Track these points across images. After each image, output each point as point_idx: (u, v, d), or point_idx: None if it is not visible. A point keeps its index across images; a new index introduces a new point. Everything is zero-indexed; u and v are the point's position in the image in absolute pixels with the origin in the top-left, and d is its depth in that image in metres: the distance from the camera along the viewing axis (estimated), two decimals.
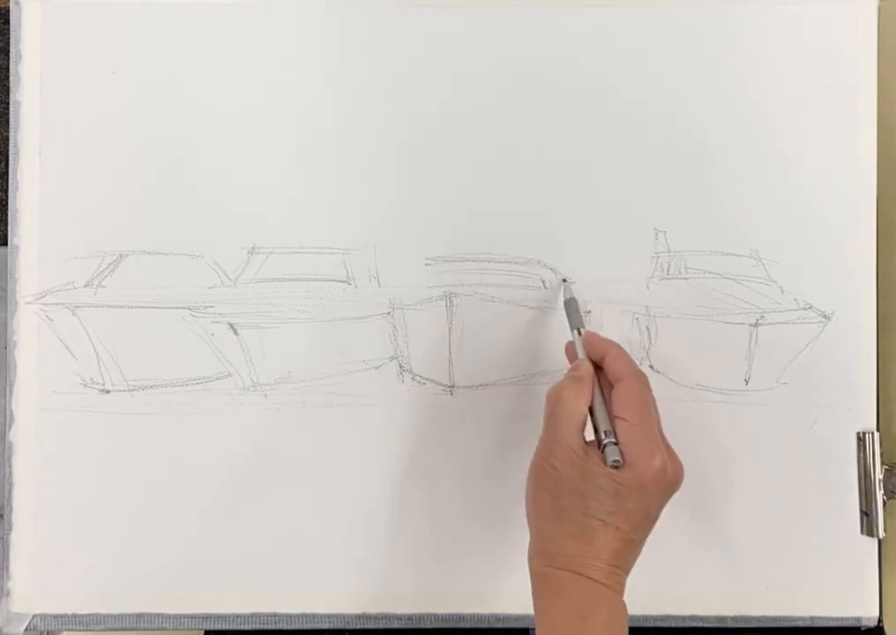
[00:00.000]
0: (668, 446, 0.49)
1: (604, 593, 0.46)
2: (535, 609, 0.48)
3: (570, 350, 0.54)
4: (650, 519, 0.48)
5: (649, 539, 0.57)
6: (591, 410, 0.49)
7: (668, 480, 0.47)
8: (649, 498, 0.47)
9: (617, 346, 0.51)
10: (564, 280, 0.57)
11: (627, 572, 0.48)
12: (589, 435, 0.49)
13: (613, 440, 0.47)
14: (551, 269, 0.58)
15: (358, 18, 0.58)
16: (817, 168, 0.58)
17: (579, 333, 0.53)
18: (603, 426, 0.48)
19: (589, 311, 0.58)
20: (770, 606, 0.58)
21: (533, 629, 0.58)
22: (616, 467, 0.46)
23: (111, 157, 0.58)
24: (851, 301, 0.58)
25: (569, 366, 0.52)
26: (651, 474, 0.46)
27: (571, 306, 0.55)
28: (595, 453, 0.47)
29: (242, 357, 0.58)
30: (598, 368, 0.51)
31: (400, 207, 0.58)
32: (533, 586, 0.49)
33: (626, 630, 0.48)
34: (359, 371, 0.58)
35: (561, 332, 0.58)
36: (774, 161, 0.58)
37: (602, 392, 0.50)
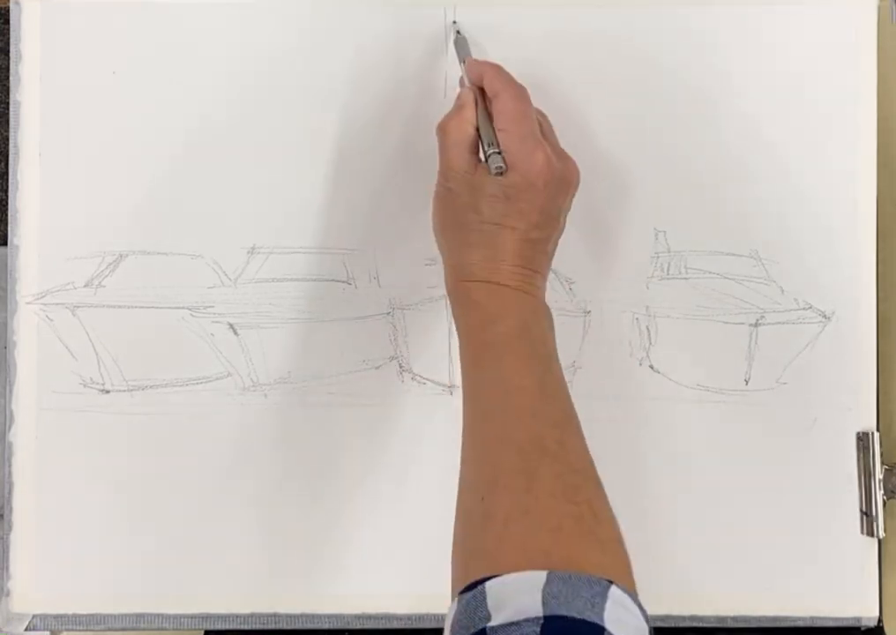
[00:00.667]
0: (556, 147, 0.51)
1: (514, 296, 0.48)
2: (456, 326, 0.50)
3: (461, 83, 0.55)
4: (549, 217, 0.49)
5: (648, 539, 0.58)
6: (479, 133, 0.50)
7: (557, 174, 0.49)
8: (540, 195, 0.48)
9: (494, 65, 0.52)
10: (454, 22, 0.58)
11: (542, 275, 0.50)
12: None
13: (495, 150, 0.49)
14: (551, 269, 0.58)
15: (358, 19, 0.58)
16: (817, 168, 0.58)
17: (464, 63, 0.54)
18: (486, 140, 0.49)
19: (589, 311, 0.58)
20: (770, 606, 0.58)
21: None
22: (501, 174, 0.48)
23: (111, 157, 0.58)
24: (851, 301, 0.58)
25: None
26: (535, 170, 0.48)
27: (459, 42, 0.56)
28: (483, 168, 0.49)
29: (242, 357, 0.58)
30: (484, 93, 0.52)
31: (401, 207, 0.58)
32: (451, 307, 0.50)
33: (548, 329, 0.49)
34: (359, 371, 0.58)
35: (560, 332, 0.58)
36: (774, 161, 0.58)
37: (487, 113, 0.51)
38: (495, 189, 0.48)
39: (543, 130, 0.51)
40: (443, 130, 0.51)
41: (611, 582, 0.38)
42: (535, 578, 0.37)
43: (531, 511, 0.41)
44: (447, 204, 0.50)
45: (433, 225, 0.52)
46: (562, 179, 0.49)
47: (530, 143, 0.48)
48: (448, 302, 0.52)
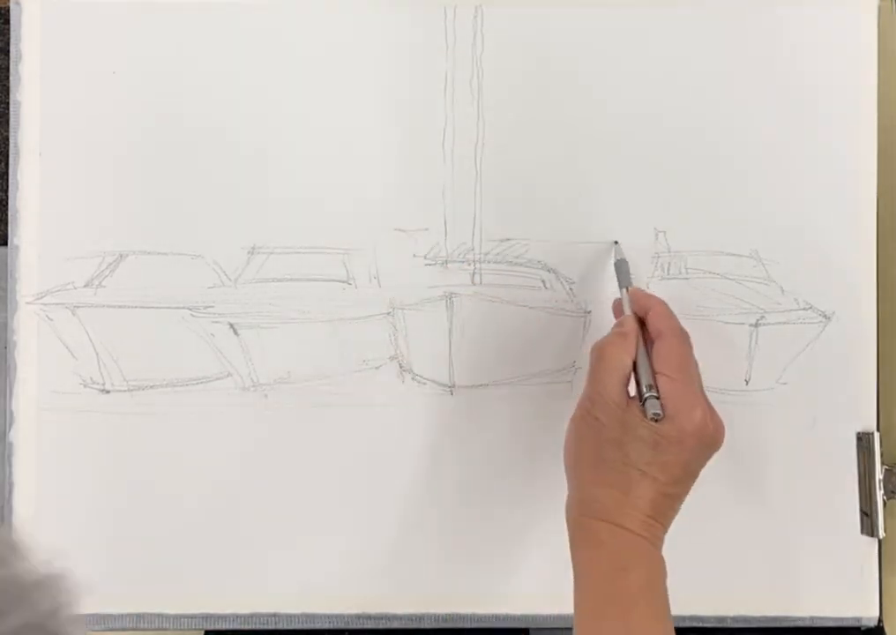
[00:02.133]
0: (709, 404, 0.49)
1: (643, 546, 0.46)
2: (573, 561, 0.48)
3: (616, 307, 0.54)
4: (689, 475, 0.48)
5: None
6: (634, 365, 0.49)
7: (709, 435, 0.47)
8: (688, 452, 0.47)
9: (661, 303, 0.51)
10: (616, 242, 0.57)
11: (665, 528, 0.48)
12: (632, 390, 0.49)
13: (654, 394, 0.47)
14: (551, 270, 0.58)
15: (358, 19, 0.58)
16: (817, 168, 0.58)
17: (627, 291, 0.53)
18: (645, 380, 0.48)
19: (589, 311, 0.58)
20: (770, 606, 0.58)
21: (533, 629, 0.58)
22: (656, 420, 0.46)
23: (111, 157, 0.58)
24: (851, 301, 0.58)
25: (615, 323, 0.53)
26: (691, 428, 0.46)
27: (622, 267, 0.56)
28: (636, 407, 0.47)
29: (242, 357, 0.58)
30: (643, 324, 0.51)
31: (401, 207, 0.58)
32: (570, 538, 0.48)
33: (665, 584, 0.48)
34: (359, 371, 0.58)
35: (561, 332, 0.58)
36: (774, 161, 0.58)
37: (646, 347, 0.50)
38: (646, 433, 0.46)
39: (700, 383, 0.49)
40: (600, 353, 0.49)
41: None
42: None
43: None
44: (590, 433, 0.48)
45: (565, 447, 0.50)
46: (711, 443, 0.48)
47: (690, 398, 0.47)
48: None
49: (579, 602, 0.47)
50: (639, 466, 0.46)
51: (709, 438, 0.47)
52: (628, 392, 0.49)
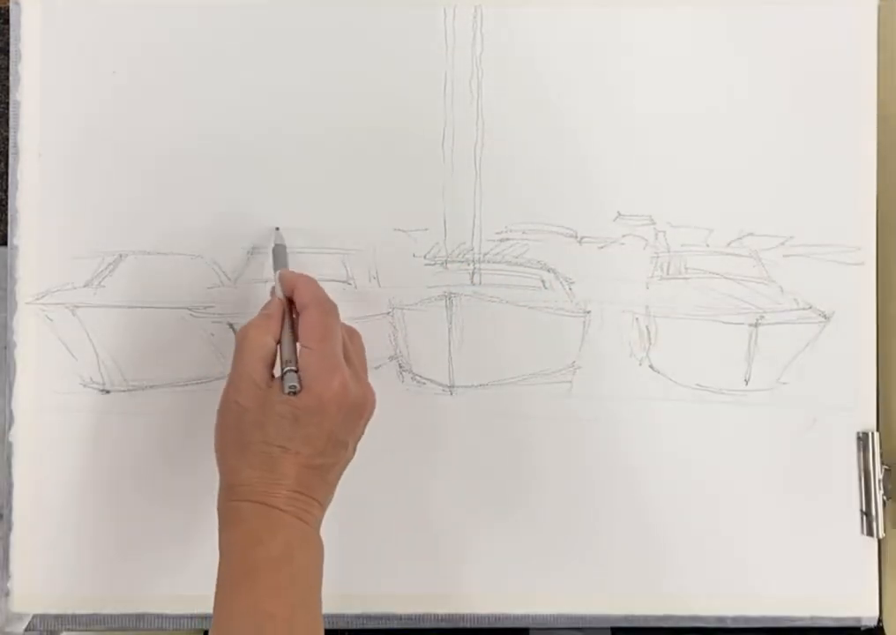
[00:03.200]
0: (358, 372, 0.49)
1: (284, 519, 0.46)
2: (219, 545, 0.47)
3: (272, 293, 0.54)
4: (336, 444, 0.48)
5: (648, 539, 0.58)
6: (281, 347, 0.49)
7: (350, 401, 0.47)
8: (330, 421, 0.47)
9: (306, 278, 0.51)
10: (277, 228, 0.57)
11: (320, 503, 0.48)
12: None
13: (292, 368, 0.47)
14: (550, 269, 0.58)
15: (358, 19, 0.58)
16: (817, 168, 0.58)
17: (277, 274, 0.53)
18: (286, 356, 0.48)
19: (589, 311, 0.58)
20: (770, 606, 0.58)
21: (533, 629, 0.58)
22: (294, 393, 0.46)
23: (111, 157, 0.58)
24: (851, 301, 0.58)
25: None
26: (329, 395, 0.46)
27: (278, 251, 0.55)
28: (278, 385, 0.47)
29: None
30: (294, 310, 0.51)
31: (400, 207, 0.58)
32: (218, 525, 0.48)
33: (316, 561, 0.47)
34: None
35: (560, 332, 0.58)
36: (774, 161, 0.58)
37: (293, 326, 0.49)
38: (284, 409, 0.46)
39: (348, 351, 0.50)
40: (243, 336, 0.49)
41: None
42: None
43: None
44: (234, 418, 0.48)
45: (215, 437, 0.49)
46: (355, 406, 0.48)
47: (329, 365, 0.47)
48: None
49: (218, 580, 0.46)
50: (279, 442, 0.46)
51: (351, 404, 0.47)
52: (271, 374, 0.48)
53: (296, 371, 0.47)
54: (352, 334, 0.52)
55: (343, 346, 0.49)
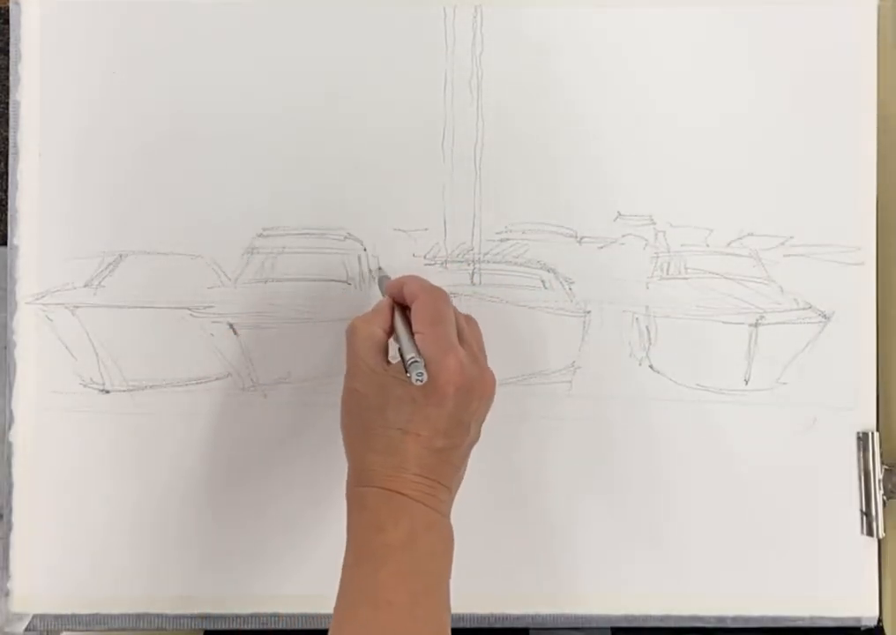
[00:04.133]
0: (474, 354, 0.48)
1: (408, 505, 0.46)
2: (346, 530, 0.47)
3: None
4: (457, 425, 0.47)
5: (648, 539, 0.58)
6: (398, 340, 0.48)
7: (467, 381, 0.46)
8: (449, 401, 0.46)
9: (411, 275, 0.51)
10: (380, 268, 0.57)
11: (446, 486, 0.48)
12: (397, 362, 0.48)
13: (415, 358, 0.46)
14: (550, 269, 0.58)
15: (358, 19, 0.58)
16: (817, 168, 0.58)
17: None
18: (405, 346, 0.47)
19: (589, 311, 0.58)
20: (770, 606, 0.58)
21: (533, 629, 0.58)
22: (421, 382, 0.45)
23: (111, 157, 0.58)
24: (851, 301, 0.58)
25: None
26: (445, 375, 0.46)
27: (382, 279, 0.56)
28: (396, 369, 0.47)
29: (242, 357, 0.58)
30: (407, 308, 0.50)
31: (400, 207, 0.58)
32: (347, 511, 0.48)
33: (443, 548, 0.47)
34: None
35: (560, 332, 0.58)
36: (775, 161, 0.58)
37: (408, 323, 0.49)
38: (402, 392, 0.46)
39: (464, 335, 0.49)
40: (352, 328, 0.49)
41: None
42: None
43: None
44: (353, 405, 0.48)
45: (341, 426, 0.50)
46: (473, 388, 0.47)
47: (443, 346, 0.46)
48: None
49: (343, 566, 0.46)
50: (400, 424, 0.46)
51: (469, 385, 0.46)
52: (387, 360, 0.48)
53: (419, 361, 0.46)
54: (468, 320, 0.52)
55: (458, 329, 0.49)
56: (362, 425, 0.48)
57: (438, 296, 0.49)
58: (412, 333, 0.48)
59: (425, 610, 0.45)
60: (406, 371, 0.45)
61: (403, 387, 0.46)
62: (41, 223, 0.57)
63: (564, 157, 0.58)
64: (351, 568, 0.46)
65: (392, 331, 0.50)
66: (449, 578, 0.47)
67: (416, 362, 0.45)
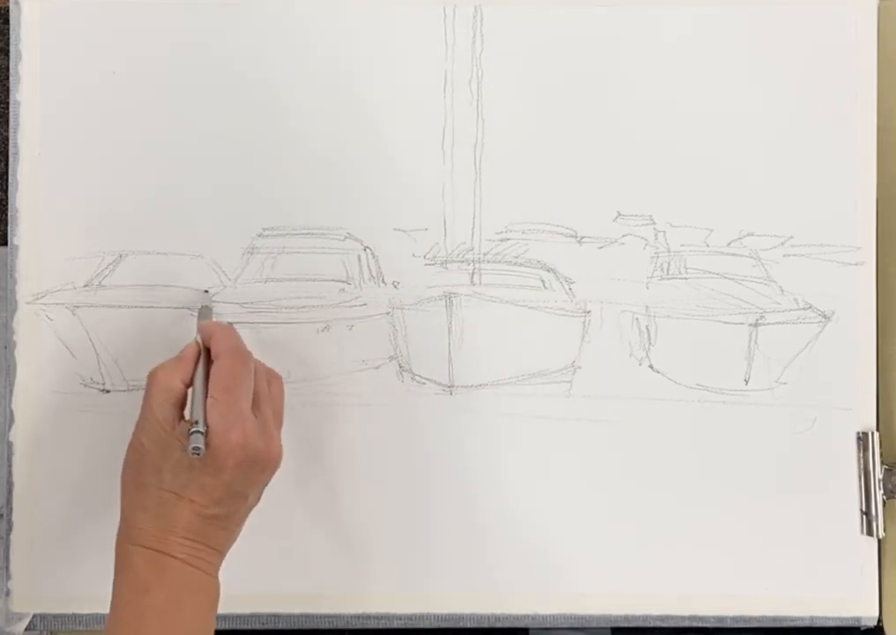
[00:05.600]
0: (265, 423, 0.48)
1: (175, 566, 0.46)
2: (112, 592, 0.47)
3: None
4: (234, 495, 0.47)
5: (648, 539, 0.58)
6: (192, 398, 0.48)
7: (250, 455, 0.46)
8: (228, 473, 0.46)
9: (224, 327, 0.52)
10: (206, 291, 0.57)
11: (216, 550, 0.48)
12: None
13: (198, 429, 0.46)
14: (550, 269, 0.58)
15: (358, 19, 0.58)
16: (817, 168, 0.58)
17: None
18: (196, 409, 0.47)
19: (589, 311, 0.58)
20: (770, 606, 0.58)
21: (533, 629, 0.58)
22: (198, 455, 0.45)
23: (111, 157, 0.58)
24: (851, 301, 0.58)
25: None
26: (226, 448, 0.46)
27: (204, 313, 0.55)
28: (182, 430, 0.47)
29: None
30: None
31: (400, 207, 0.58)
32: (114, 567, 0.48)
33: (207, 608, 0.47)
34: (358, 371, 0.58)
35: (560, 332, 0.58)
36: (774, 161, 0.58)
37: (207, 377, 0.49)
38: (182, 456, 0.46)
39: (260, 401, 0.49)
40: (152, 377, 0.49)
41: None
42: None
43: None
44: (136, 458, 0.48)
45: (121, 474, 0.49)
46: (256, 460, 0.47)
47: (231, 418, 0.46)
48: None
49: (106, 626, 0.46)
50: (174, 488, 0.46)
51: (250, 459, 0.47)
52: (181, 415, 0.48)
53: (202, 433, 0.46)
54: (272, 380, 0.52)
55: (257, 394, 0.49)
56: (139, 481, 0.48)
57: (241, 359, 0.49)
58: (205, 395, 0.48)
59: None
60: (189, 434, 0.46)
61: (184, 451, 0.46)
62: (41, 223, 0.57)
63: (564, 157, 0.58)
64: (114, 628, 0.46)
65: (192, 382, 0.49)
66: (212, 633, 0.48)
67: (197, 433, 0.46)
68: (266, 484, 0.50)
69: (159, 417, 0.48)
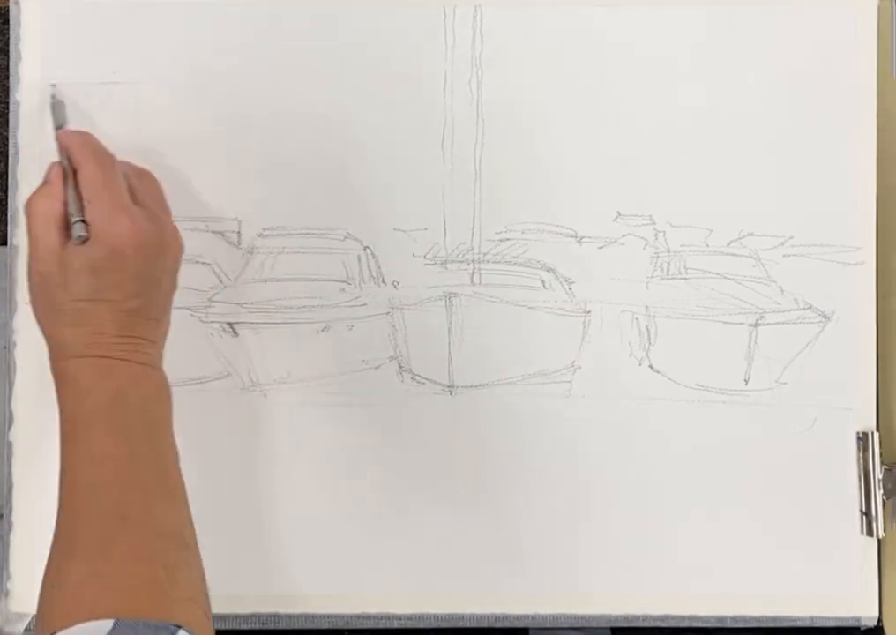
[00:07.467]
0: (152, 211, 0.49)
1: (111, 365, 0.47)
2: (57, 406, 0.48)
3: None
4: (147, 283, 0.48)
5: (647, 539, 0.58)
6: (68, 208, 0.49)
7: (146, 238, 0.47)
8: (133, 263, 0.47)
9: (79, 135, 0.51)
10: (53, 85, 0.56)
11: (151, 341, 0.49)
12: None
13: (78, 218, 0.47)
14: (550, 269, 0.58)
15: (358, 19, 0.58)
16: (817, 168, 0.58)
17: (56, 134, 0.53)
18: (72, 211, 0.48)
19: (589, 311, 0.58)
20: (770, 606, 0.58)
21: (533, 629, 0.58)
22: (83, 242, 0.46)
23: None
24: (851, 301, 0.58)
25: None
26: (119, 238, 0.47)
27: (57, 108, 0.55)
28: (75, 244, 0.47)
29: (242, 357, 0.58)
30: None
31: (401, 208, 0.58)
32: (55, 388, 0.48)
33: (155, 397, 0.48)
34: (358, 371, 0.58)
35: (560, 332, 0.58)
36: (774, 161, 0.58)
37: (77, 185, 0.49)
38: (81, 263, 0.47)
39: (137, 193, 0.50)
40: (29, 208, 0.49)
41: (179, 627, 0.39)
42: (101, 627, 0.39)
43: (103, 575, 0.42)
44: (38, 286, 0.49)
45: (32, 309, 0.50)
46: (154, 243, 0.48)
47: (113, 211, 0.47)
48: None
49: (60, 438, 0.47)
50: (86, 296, 0.47)
51: (148, 242, 0.47)
52: (67, 234, 0.48)
53: (82, 221, 0.47)
54: (141, 175, 0.53)
55: (131, 190, 0.50)
56: (50, 303, 0.48)
57: (103, 161, 0.50)
58: (80, 199, 0.48)
59: (147, 458, 0.47)
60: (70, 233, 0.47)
61: (81, 259, 0.47)
62: None
63: (564, 157, 0.58)
64: (66, 437, 0.47)
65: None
66: (170, 422, 0.49)
67: (79, 222, 0.47)
68: (176, 269, 0.50)
69: (47, 242, 0.47)
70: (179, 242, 0.50)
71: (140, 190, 0.51)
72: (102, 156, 0.50)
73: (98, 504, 0.44)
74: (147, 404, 0.48)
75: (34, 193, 0.50)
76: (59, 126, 0.54)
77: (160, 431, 0.48)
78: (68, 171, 0.50)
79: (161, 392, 0.49)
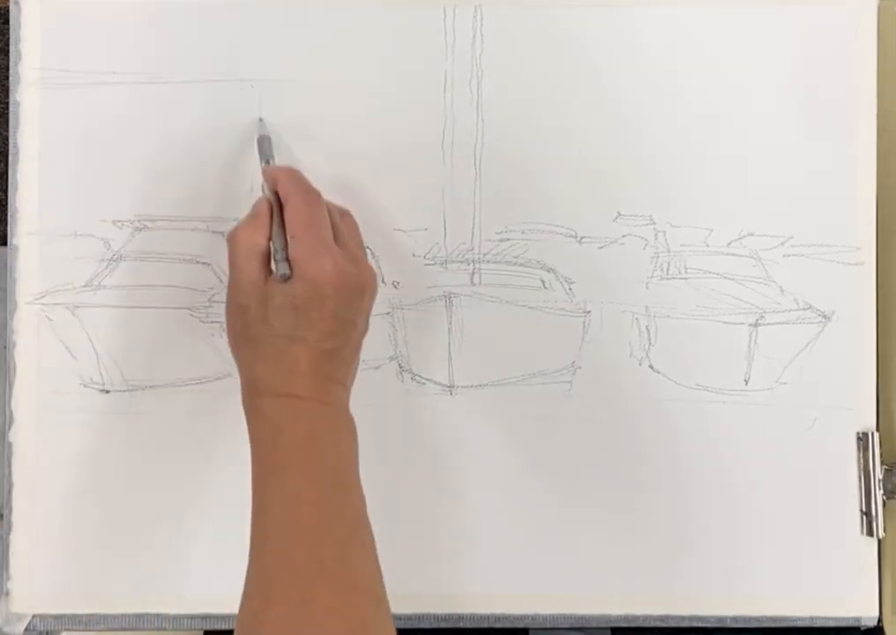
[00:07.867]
0: (352, 252, 0.49)
1: (305, 406, 0.47)
2: (250, 445, 0.48)
3: (262, 190, 0.53)
4: (344, 324, 0.48)
5: (647, 539, 0.58)
6: (273, 245, 0.49)
7: (346, 280, 0.47)
8: (330, 302, 0.47)
9: (288, 170, 0.51)
10: (261, 119, 0.57)
11: (342, 384, 0.49)
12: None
13: (283, 256, 0.47)
14: (550, 269, 0.58)
15: (358, 19, 0.58)
16: (817, 169, 0.58)
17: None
18: (277, 249, 0.48)
19: (589, 311, 0.58)
20: (770, 606, 0.58)
21: (533, 629, 0.58)
22: (286, 279, 0.47)
23: (111, 157, 0.57)
24: (851, 301, 0.58)
25: None
26: (322, 277, 0.47)
27: (263, 143, 0.55)
28: (275, 279, 0.48)
29: None
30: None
31: (401, 208, 0.58)
32: (247, 424, 0.48)
33: (345, 439, 0.48)
34: (359, 371, 0.58)
35: (560, 332, 0.58)
36: (774, 162, 0.58)
37: (282, 220, 0.49)
38: (283, 300, 0.47)
39: (340, 234, 0.50)
40: (233, 240, 0.49)
41: None
42: None
43: (303, 628, 0.42)
44: (237, 319, 0.49)
45: (228, 343, 0.50)
46: (353, 285, 0.48)
47: (317, 250, 0.47)
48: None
49: (252, 476, 0.47)
50: (285, 332, 0.47)
51: (350, 284, 0.48)
52: (269, 269, 0.49)
53: (286, 260, 0.47)
54: (344, 215, 0.53)
55: (334, 228, 0.50)
56: (249, 337, 0.48)
57: (310, 198, 0.49)
58: (285, 236, 0.48)
59: (340, 503, 0.46)
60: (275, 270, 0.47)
61: (283, 296, 0.47)
62: (40, 223, 0.57)
63: (564, 157, 0.58)
64: (258, 475, 0.47)
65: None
66: (357, 467, 0.48)
67: (284, 260, 0.47)
68: (370, 310, 0.50)
69: (250, 275, 0.48)
70: (375, 282, 0.50)
71: (342, 229, 0.51)
72: (309, 193, 0.50)
73: (293, 550, 0.44)
74: (339, 447, 0.48)
75: (240, 224, 0.50)
76: (266, 161, 0.54)
77: (350, 476, 0.48)
78: (275, 206, 0.50)
79: (351, 437, 0.49)
